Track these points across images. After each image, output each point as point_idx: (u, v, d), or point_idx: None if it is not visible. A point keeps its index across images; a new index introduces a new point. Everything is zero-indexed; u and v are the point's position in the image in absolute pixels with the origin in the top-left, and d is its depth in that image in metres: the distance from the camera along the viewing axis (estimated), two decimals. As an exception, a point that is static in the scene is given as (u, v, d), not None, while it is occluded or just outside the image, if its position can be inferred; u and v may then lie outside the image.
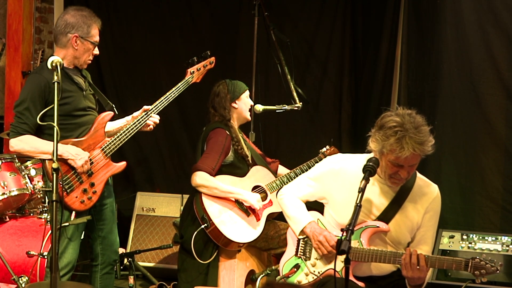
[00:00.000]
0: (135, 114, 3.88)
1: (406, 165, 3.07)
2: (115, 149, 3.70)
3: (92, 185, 3.63)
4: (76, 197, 3.58)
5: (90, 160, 3.61)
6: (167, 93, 3.90)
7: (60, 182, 3.49)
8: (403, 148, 2.99)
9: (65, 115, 3.56)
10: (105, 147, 3.68)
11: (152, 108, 3.83)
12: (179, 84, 3.99)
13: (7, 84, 5.80)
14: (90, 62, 3.76)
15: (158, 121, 3.88)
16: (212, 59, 4.20)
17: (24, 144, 3.53)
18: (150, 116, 3.83)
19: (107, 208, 3.83)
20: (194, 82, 4.10)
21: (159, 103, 3.85)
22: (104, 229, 3.84)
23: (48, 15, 6.09)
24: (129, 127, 3.75)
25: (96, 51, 3.73)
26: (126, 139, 3.74)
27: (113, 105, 3.83)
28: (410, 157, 3.03)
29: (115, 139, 3.70)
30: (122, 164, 3.76)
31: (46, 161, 3.56)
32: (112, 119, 3.82)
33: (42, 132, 3.59)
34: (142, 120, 3.80)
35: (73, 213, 3.61)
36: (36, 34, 5.97)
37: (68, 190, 3.54)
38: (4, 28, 5.84)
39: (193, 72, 4.09)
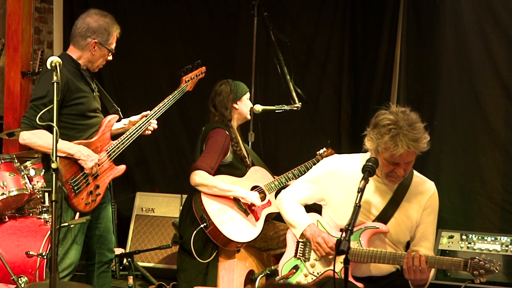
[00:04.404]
0: (133, 118, 3.91)
1: (402, 163, 3.07)
2: (119, 153, 3.74)
3: (97, 187, 3.65)
4: (83, 198, 3.59)
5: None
6: (164, 101, 3.93)
7: (70, 183, 3.51)
8: (397, 145, 3.00)
9: (78, 115, 3.59)
10: (110, 150, 3.70)
11: (151, 114, 3.87)
12: (175, 92, 4.01)
13: (6, 84, 5.80)
14: (102, 66, 3.78)
15: (156, 127, 3.92)
16: (203, 68, 4.21)
17: (37, 138, 3.49)
18: (149, 123, 3.86)
19: (103, 207, 3.84)
20: (187, 91, 4.12)
21: (157, 109, 3.89)
22: (101, 228, 3.85)
23: (47, 15, 6.09)
24: (131, 132, 3.78)
25: (110, 57, 3.74)
26: (128, 144, 3.77)
27: (118, 109, 3.86)
28: (405, 155, 3.03)
29: (119, 143, 3.73)
30: (123, 167, 3.80)
31: (58, 159, 3.56)
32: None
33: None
34: (143, 125, 3.83)
35: (77, 214, 3.62)
36: (36, 34, 5.97)
37: (76, 192, 3.55)
38: (3, 28, 5.83)
39: (188, 80, 4.10)
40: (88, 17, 3.66)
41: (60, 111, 3.40)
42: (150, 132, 3.92)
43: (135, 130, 3.80)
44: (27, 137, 3.50)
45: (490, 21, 4.65)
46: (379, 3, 5.16)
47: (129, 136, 3.77)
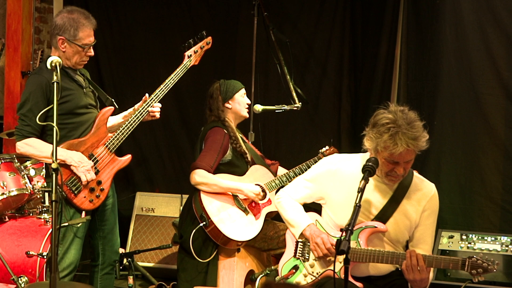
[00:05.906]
0: (136, 106, 3.84)
1: (402, 162, 3.07)
2: (119, 144, 3.70)
3: (99, 183, 3.63)
4: (85, 197, 3.59)
5: (95, 158, 3.62)
6: (166, 80, 3.86)
7: (67, 184, 3.50)
8: (396, 144, 3.00)
9: (66, 114, 3.57)
10: (109, 143, 3.67)
11: (152, 97, 3.81)
12: (178, 69, 3.94)
13: (6, 84, 5.80)
14: (85, 62, 3.71)
15: (159, 109, 3.85)
16: (209, 39, 4.13)
17: (29, 147, 3.53)
18: (151, 106, 3.79)
19: (109, 209, 3.83)
20: (193, 65, 4.03)
21: (159, 91, 3.82)
22: (105, 229, 3.85)
23: (47, 15, 6.09)
24: (131, 119, 3.73)
25: (91, 52, 3.67)
26: (129, 132, 3.72)
27: (113, 100, 3.82)
28: (405, 153, 3.03)
29: (118, 133, 3.69)
30: (127, 157, 3.76)
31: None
32: (113, 113, 3.80)
33: (44, 133, 3.59)
34: (143, 110, 3.77)
35: (83, 212, 3.62)
36: (36, 34, 5.96)
37: (75, 192, 3.55)
38: (3, 28, 5.83)
39: (191, 55, 4.03)
40: (57, 16, 3.65)
41: (47, 113, 3.29)
42: (158, 115, 3.83)
43: (135, 117, 3.73)
44: (21, 146, 3.56)
45: (490, 21, 4.65)
46: (379, 3, 5.16)
47: (129, 124, 3.71)
